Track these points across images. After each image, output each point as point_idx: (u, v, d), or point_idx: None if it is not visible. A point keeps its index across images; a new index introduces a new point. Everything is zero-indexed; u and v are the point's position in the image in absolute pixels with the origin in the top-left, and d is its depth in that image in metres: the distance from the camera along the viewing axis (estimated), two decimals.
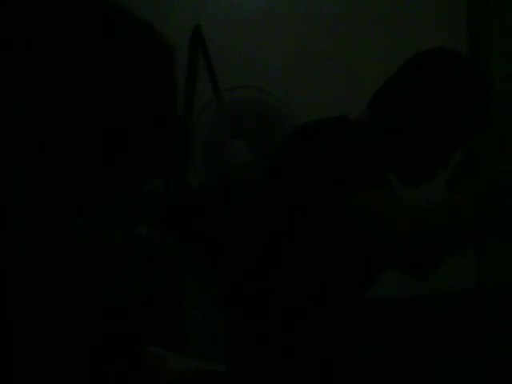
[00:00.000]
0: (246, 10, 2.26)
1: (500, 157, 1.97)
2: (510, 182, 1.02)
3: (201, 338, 2.04)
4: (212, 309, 2.07)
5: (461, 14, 2.30)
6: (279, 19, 2.27)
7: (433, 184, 1.27)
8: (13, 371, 1.30)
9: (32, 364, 1.36)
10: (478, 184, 1.06)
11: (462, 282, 2.11)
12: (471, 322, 2.03)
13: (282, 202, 1.17)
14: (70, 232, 1.45)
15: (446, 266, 1.04)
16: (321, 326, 1.17)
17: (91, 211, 1.51)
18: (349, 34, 2.27)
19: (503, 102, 2.15)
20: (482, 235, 1.20)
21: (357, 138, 1.14)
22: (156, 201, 1.96)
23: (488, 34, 2.25)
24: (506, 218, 1.03)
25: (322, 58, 2.26)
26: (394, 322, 2.00)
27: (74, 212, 1.46)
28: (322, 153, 1.11)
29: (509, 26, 2.21)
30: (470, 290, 2.17)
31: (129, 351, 1.50)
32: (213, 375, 1.34)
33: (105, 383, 1.49)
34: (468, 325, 2.03)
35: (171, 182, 1.99)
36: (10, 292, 1.34)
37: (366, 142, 1.13)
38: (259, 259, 1.20)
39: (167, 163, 1.96)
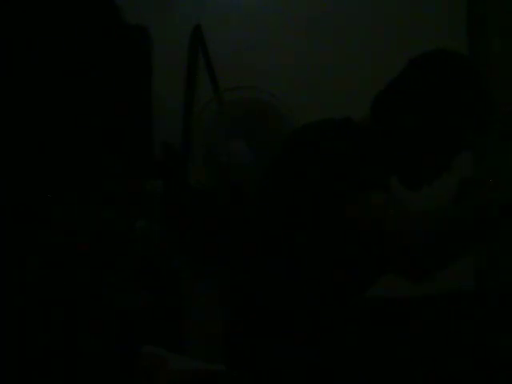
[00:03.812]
0: (246, 9, 2.26)
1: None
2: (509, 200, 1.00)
3: (201, 338, 2.04)
4: (212, 308, 2.07)
5: (461, 14, 2.31)
6: (279, 19, 2.27)
7: (434, 186, 1.27)
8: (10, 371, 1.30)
9: (30, 364, 1.36)
10: (481, 198, 1.05)
11: (461, 283, 2.11)
12: (471, 322, 2.03)
13: (282, 203, 1.17)
14: (71, 232, 1.46)
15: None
16: (321, 325, 1.18)
17: (91, 211, 1.51)
18: (349, 34, 2.27)
19: (503, 102, 2.15)
20: (480, 243, 1.18)
21: (356, 140, 1.14)
22: (156, 201, 1.96)
23: (488, 33, 2.25)
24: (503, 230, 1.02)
25: (322, 58, 2.26)
26: (394, 322, 2.00)
27: (74, 212, 1.47)
28: (322, 154, 1.11)
29: (509, 25, 2.21)
30: (469, 291, 2.17)
31: (128, 351, 1.50)
32: (213, 375, 1.34)
33: (105, 383, 1.49)
34: (468, 325, 2.03)
35: (171, 182, 1.99)
36: (10, 292, 1.34)
37: (366, 145, 1.14)
38: (260, 259, 1.20)
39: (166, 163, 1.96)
